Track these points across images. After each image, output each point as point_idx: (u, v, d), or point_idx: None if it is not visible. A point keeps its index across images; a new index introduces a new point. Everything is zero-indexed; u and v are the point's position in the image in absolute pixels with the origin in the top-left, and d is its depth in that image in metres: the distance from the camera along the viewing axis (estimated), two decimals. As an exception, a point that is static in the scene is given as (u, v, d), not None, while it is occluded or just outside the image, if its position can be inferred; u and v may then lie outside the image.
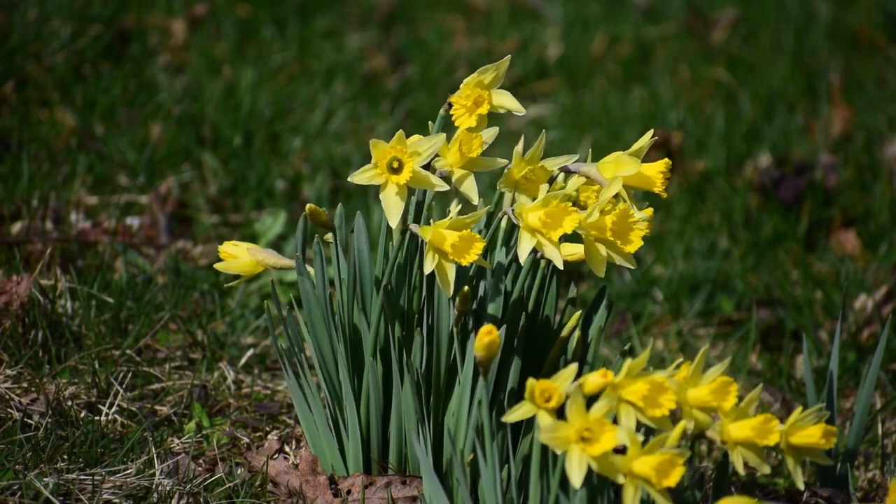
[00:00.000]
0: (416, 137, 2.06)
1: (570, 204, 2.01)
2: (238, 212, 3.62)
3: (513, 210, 2.05)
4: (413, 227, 2.09)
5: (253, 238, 3.40)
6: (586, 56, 5.20)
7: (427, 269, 2.04)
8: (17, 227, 3.14)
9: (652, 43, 5.37)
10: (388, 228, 2.15)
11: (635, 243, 2.03)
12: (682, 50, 5.31)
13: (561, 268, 2.05)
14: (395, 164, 2.05)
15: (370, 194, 3.76)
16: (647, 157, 2.10)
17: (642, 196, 2.16)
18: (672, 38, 5.42)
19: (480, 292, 2.16)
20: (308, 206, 2.16)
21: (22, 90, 3.91)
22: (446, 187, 2.06)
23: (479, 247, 2.02)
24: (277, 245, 3.41)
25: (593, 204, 2.04)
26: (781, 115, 4.61)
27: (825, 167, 4.04)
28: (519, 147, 2.15)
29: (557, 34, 5.37)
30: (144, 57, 4.37)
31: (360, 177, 2.06)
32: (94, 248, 3.16)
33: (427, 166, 2.10)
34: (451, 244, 2.02)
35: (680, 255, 3.67)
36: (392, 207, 2.05)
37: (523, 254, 2.03)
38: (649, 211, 2.11)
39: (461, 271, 2.16)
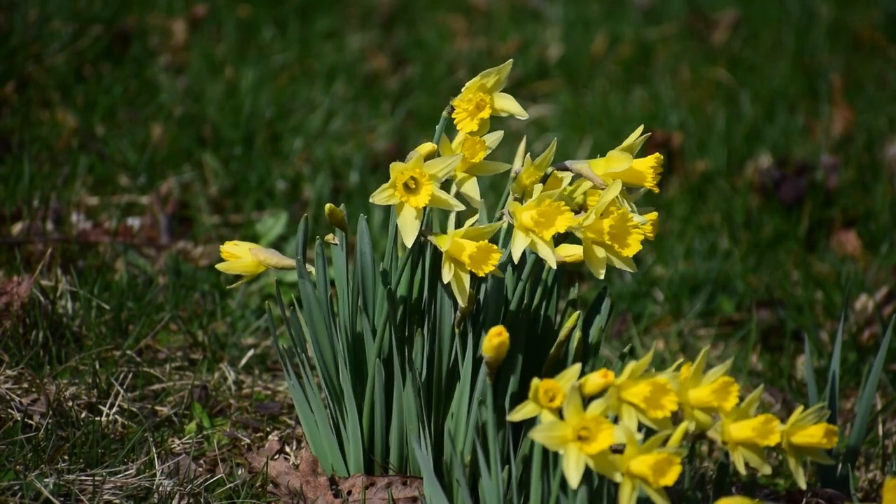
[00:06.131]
0: (432, 161, 2.05)
1: (563, 203, 2.02)
2: (239, 212, 3.62)
3: (506, 209, 2.06)
4: (430, 237, 2.09)
5: (254, 239, 3.40)
6: (587, 56, 5.20)
7: (445, 279, 2.04)
8: (17, 228, 3.14)
9: (653, 43, 5.36)
10: (395, 236, 2.15)
11: (633, 247, 2.04)
12: (682, 50, 5.31)
13: (554, 267, 2.05)
14: (412, 185, 2.05)
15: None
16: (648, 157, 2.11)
17: (643, 199, 2.16)
18: (673, 38, 5.42)
19: (481, 293, 2.16)
20: (327, 206, 2.16)
21: (23, 91, 3.91)
22: (462, 207, 2.07)
23: (495, 257, 2.03)
24: (278, 246, 3.41)
25: (592, 206, 2.05)
26: (782, 116, 4.61)
27: (826, 168, 4.04)
28: (521, 149, 2.15)
29: (558, 35, 5.37)
30: (145, 57, 4.37)
31: (378, 196, 2.06)
32: (95, 248, 3.16)
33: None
34: (468, 255, 2.02)
35: (681, 255, 3.67)
36: (408, 227, 2.06)
37: (517, 253, 2.04)
38: (653, 215, 2.11)
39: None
